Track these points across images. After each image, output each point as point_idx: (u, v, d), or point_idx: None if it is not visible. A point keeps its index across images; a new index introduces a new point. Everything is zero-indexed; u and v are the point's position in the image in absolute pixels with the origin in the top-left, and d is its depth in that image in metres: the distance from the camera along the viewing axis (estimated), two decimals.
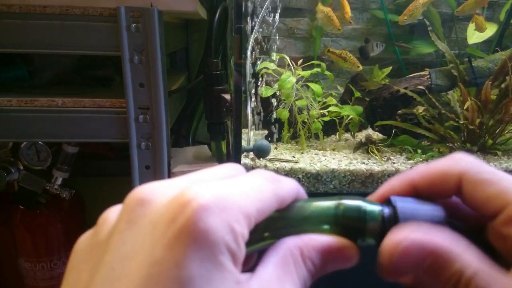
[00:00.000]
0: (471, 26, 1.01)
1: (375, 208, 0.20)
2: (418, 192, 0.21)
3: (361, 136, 1.03)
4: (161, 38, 0.60)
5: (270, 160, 0.82)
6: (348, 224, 0.20)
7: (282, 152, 0.89)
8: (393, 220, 0.20)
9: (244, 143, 0.85)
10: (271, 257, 0.19)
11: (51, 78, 0.74)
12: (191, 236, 0.15)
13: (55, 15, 0.57)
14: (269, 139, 0.95)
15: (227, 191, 0.17)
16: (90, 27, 0.58)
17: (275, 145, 0.94)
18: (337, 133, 1.01)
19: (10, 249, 0.87)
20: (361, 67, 0.96)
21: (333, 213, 0.20)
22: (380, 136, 0.99)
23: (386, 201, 0.21)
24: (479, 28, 0.96)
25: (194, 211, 0.15)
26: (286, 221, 0.20)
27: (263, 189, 0.18)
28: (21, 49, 0.59)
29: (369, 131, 1.06)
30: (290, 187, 0.20)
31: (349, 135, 1.03)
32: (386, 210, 0.20)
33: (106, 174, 1.10)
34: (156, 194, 0.18)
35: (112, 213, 0.19)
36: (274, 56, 0.94)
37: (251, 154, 0.84)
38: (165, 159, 0.64)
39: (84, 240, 0.20)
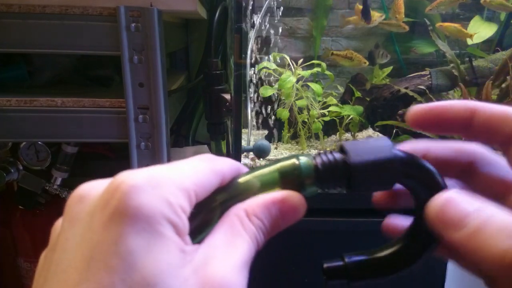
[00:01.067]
0: (472, 26, 1.00)
1: (307, 159, 0.21)
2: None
3: (361, 136, 1.03)
4: (161, 38, 0.59)
5: (269, 160, 0.82)
6: (288, 182, 0.21)
7: (282, 152, 0.89)
8: (340, 161, 0.20)
9: (244, 143, 0.85)
10: (219, 225, 0.19)
11: (50, 78, 0.73)
12: (124, 214, 0.15)
13: (55, 15, 0.57)
14: (272, 139, 0.95)
15: (160, 172, 0.17)
16: (90, 27, 0.58)
17: (275, 145, 0.94)
18: (338, 133, 1.01)
19: (10, 249, 0.86)
20: (367, 63, 0.96)
21: (273, 176, 0.21)
22: (381, 136, 0.99)
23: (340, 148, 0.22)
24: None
25: (124, 192, 0.16)
26: (229, 193, 0.20)
27: (199, 166, 0.19)
28: (21, 49, 0.59)
29: (370, 131, 1.06)
30: (227, 163, 0.21)
31: (350, 135, 1.03)
32: (323, 156, 0.21)
33: (106, 174, 1.09)
34: (92, 189, 0.18)
35: (59, 221, 0.20)
36: (271, 59, 0.94)
37: (251, 154, 0.84)
38: (164, 159, 0.64)
39: (42, 255, 0.20)
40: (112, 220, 0.16)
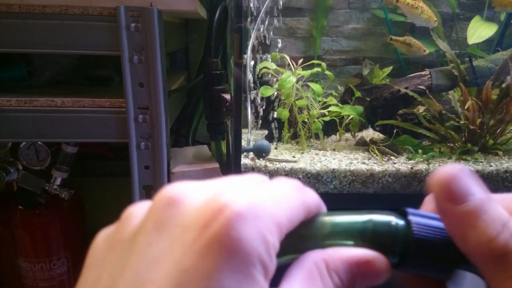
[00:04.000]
0: (472, 26, 1.00)
1: (405, 224, 0.19)
2: None
3: (361, 135, 1.03)
4: (161, 38, 0.59)
5: (269, 160, 0.82)
6: (377, 240, 0.19)
7: (282, 152, 0.89)
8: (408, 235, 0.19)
9: (244, 143, 0.85)
10: (296, 272, 0.18)
11: (50, 78, 0.73)
12: (223, 246, 0.14)
13: (55, 15, 0.56)
14: (272, 139, 0.95)
15: (260, 198, 0.16)
16: (90, 27, 0.57)
17: (275, 145, 0.94)
18: (338, 133, 1.00)
19: (10, 249, 0.86)
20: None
21: (361, 227, 0.19)
22: (381, 136, 0.99)
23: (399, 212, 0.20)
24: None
25: (227, 219, 0.15)
26: (311, 234, 0.19)
27: (292, 197, 0.18)
28: (21, 49, 0.59)
29: (370, 131, 1.06)
30: (316, 198, 0.19)
31: (350, 135, 1.03)
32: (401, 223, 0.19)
33: (106, 174, 1.10)
34: (187, 195, 0.17)
35: (137, 210, 0.18)
36: (268, 58, 0.94)
37: (251, 154, 0.84)
38: (164, 159, 0.64)
39: (105, 236, 0.19)
40: (210, 247, 0.14)
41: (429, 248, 0.19)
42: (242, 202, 0.15)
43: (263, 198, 0.16)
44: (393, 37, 0.94)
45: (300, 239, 0.18)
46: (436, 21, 0.90)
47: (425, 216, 0.19)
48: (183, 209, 0.16)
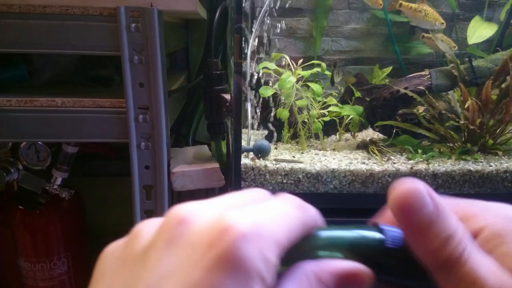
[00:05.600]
0: (472, 26, 1.00)
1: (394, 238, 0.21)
2: None
3: (361, 136, 1.03)
4: (161, 38, 0.59)
5: (275, 160, 0.82)
6: (363, 253, 0.20)
7: (282, 152, 0.89)
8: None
9: (244, 143, 0.85)
10: (287, 282, 0.19)
11: (50, 78, 0.73)
12: (229, 263, 0.16)
13: (55, 15, 0.57)
14: (272, 139, 0.95)
15: (262, 218, 0.17)
16: (90, 27, 0.58)
17: (275, 145, 0.94)
18: (337, 133, 1.01)
19: (10, 249, 0.87)
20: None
21: (350, 241, 0.21)
22: (381, 136, 0.99)
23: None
24: None
25: (233, 239, 0.16)
26: (304, 246, 0.20)
27: (293, 217, 0.19)
28: (21, 49, 0.59)
29: (370, 131, 1.06)
30: (314, 214, 0.21)
31: (349, 135, 1.03)
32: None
33: (106, 174, 1.10)
34: (195, 215, 0.18)
35: (147, 227, 0.20)
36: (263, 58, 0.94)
37: (251, 154, 0.84)
38: (164, 159, 0.64)
39: (114, 250, 0.20)
40: (216, 264, 0.16)
41: (401, 258, 0.20)
42: (245, 223, 0.17)
43: (265, 219, 0.18)
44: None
45: (293, 250, 0.19)
46: (443, 23, 0.89)
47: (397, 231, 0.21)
48: (192, 228, 0.18)
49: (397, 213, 0.20)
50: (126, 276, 0.18)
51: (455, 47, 0.91)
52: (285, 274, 0.19)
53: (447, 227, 0.19)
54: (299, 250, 0.20)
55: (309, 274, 0.19)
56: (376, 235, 0.21)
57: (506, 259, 0.19)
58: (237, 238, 0.16)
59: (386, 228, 0.21)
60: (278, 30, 0.92)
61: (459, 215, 0.21)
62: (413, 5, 0.89)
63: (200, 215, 0.18)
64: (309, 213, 0.20)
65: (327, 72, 0.94)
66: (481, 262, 0.19)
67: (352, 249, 0.20)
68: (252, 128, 0.93)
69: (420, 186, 0.20)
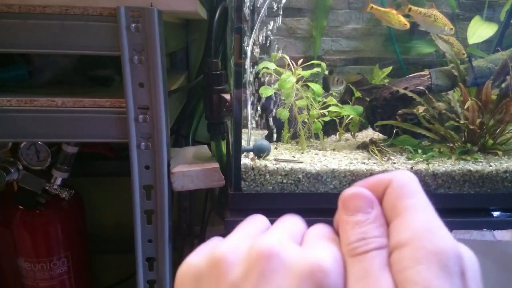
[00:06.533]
0: (472, 26, 1.00)
1: None
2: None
3: (361, 136, 1.03)
4: (161, 38, 0.59)
5: (275, 160, 0.82)
6: None
7: (282, 152, 0.89)
8: None
9: (244, 143, 0.85)
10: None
11: (50, 78, 0.73)
12: None
13: (55, 15, 0.57)
14: (272, 139, 0.95)
15: (336, 256, 0.21)
16: (90, 27, 0.58)
17: (275, 145, 0.94)
18: (337, 133, 1.01)
19: (10, 249, 0.87)
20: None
21: None
22: (381, 136, 0.99)
23: None
24: None
25: (323, 274, 0.20)
26: None
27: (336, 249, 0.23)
28: (21, 49, 0.59)
29: (370, 131, 1.06)
30: None
31: (349, 135, 1.03)
32: None
33: (106, 174, 1.10)
34: (282, 250, 0.21)
35: (232, 257, 0.22)
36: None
37: (251, 154, 0.84)
38: (164, 159, 0.64)
39: (194, 273, 0.22)
40: None
41: None
42: (328, 260, 0.20)
43: (334, 253, 0.21)
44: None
45: None
46: (452, 28, 0.88)
47: None
48: (282, 264, 0.20)
49: (340, 210, 0.23)
50: None
51: (464, 54, 0.91)
52: None
53: (358, 229, 0.22)
54: None
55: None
56: None
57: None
58: (325, 274, 0.19)
59: None
60: (270, 27, 0.91)
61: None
62: (423, 10, 0.89)
63: (286, 250, 0.21)
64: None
65: (327, 72, 0.94)
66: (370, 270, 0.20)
67: None
68: (254, 126, 0.93)
69: (360, 192, 0.23)
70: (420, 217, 0.21)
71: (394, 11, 0.90)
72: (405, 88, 0.90)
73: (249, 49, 0.87)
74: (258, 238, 0.22)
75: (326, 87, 0.97)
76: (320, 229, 0.24)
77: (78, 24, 0.57)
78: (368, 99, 0.98)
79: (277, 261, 0.20)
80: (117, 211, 1.16)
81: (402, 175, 0.23)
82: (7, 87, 0.69)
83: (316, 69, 0.92)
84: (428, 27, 0.90)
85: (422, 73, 0.94)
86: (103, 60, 0.76)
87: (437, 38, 0.93)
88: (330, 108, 0.94)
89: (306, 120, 0.93)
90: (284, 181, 0.79)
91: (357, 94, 1.00)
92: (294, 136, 0.97)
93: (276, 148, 0.92)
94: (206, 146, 0.85)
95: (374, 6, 0.93)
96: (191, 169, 0.69)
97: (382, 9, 0.92)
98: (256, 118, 0.94)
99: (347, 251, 0.21)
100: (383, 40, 1.14)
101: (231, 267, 0.21)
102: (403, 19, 0.90)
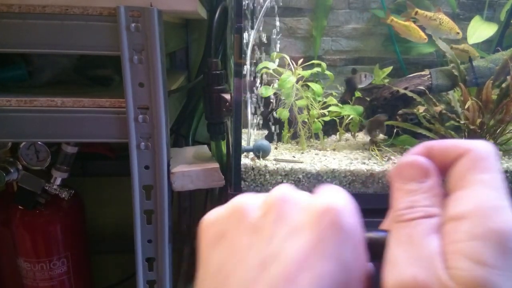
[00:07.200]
0: (472, 26, 1.00)
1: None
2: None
3: (361, 136, 1.03)
4: (161, 38, 0.59)
5: (275, 160, 0.82)
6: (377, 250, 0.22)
7: (282, 152, 0.89)
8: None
9: (244, 143, 0.85)
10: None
11: (50, 78, 0.73)
12: (339, 227, 0.20)
13: (55, 15, 0.57)
14: (272, 139, 0.95)
15: (348, 201, 0.22)
16: (90, 27, 0.58)
17: (275, 145, 0.94)
18: (338, 133, 1.00)
19: (10, 249, 0.86)
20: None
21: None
22: (381, 136, 0.99)
23: None
24: None
25: (338, 212, 0.21)
26: None
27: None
28: (21, 49, 0.59)
29: None
30: None
31: (350, 135, 1.03)
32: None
33: (106, 174, 1.10)
34: (295, 196, 0.23)
35: (248, 203, 0.24)
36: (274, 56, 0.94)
37: (251, 154, 0.84)
38: (164, 159, 0.64)
39: (216, 221, 0.24)
40: (330, 228, 0.20)
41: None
42: (341, 201, 0.21)
43: (348, 198, 0.22)
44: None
45: None
46: (458, 33, 0.88)
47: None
48: (298, 204, 0.22)
49: (392, 176, 0.23)
50: (244, 243, 0.22)
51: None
52: None
53: (413, 198, 0.21)
54: None
55: None
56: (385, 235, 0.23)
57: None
58: (340, 212, 0.21)
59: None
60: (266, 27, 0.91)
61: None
62: (429, 14, 0.89)
63: (299, 196, 0.23)
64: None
65: (327, 72, 0.94)
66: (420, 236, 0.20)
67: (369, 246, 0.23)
68: (256, 126, 0.93)
69: (415, 160, 0.23)
70: (488, 194, 0.19)
71: (414, 25, 0.90)
72: (406, 88, 0.90)
73: (249, 49, 0.87)
74: (271, 192, 0.24)
75: (351, 88, 0.97)
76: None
77: (78, 24, 0.57)
78: (368, 99, 0.98)
79: (293, 202, 0.22)
80: (117, 211, 1.16)
81: (482, 147, 0.21)
82: (7, 87, 0.69)
83: (316, 69, 0.92)
84: (434, 31, 0.90)
85: (423, 73, 0.93)
86: (102, 60, 0.76)
87: (437, 38, 0.93)
88: (330, 108, 0.94)
89: (306, 120, 0.93)
90: (284, 181, 0.79)
91: (357, 94, 1.00)
92: (294, 136, 0.97)
93: (276, 148, 0.92)
94: (206, 146, 0.85)
95: (395, 19, 0.92)
96: (191, 169, 0.69)
97: (402, 22, 0.91)
98: (258, 118, 0.94)
99: (393, 217, 0.21)
100: (383, 40, 1.14)
101: (250, 211, 0.23)
102: (423, 34, 0.90)
